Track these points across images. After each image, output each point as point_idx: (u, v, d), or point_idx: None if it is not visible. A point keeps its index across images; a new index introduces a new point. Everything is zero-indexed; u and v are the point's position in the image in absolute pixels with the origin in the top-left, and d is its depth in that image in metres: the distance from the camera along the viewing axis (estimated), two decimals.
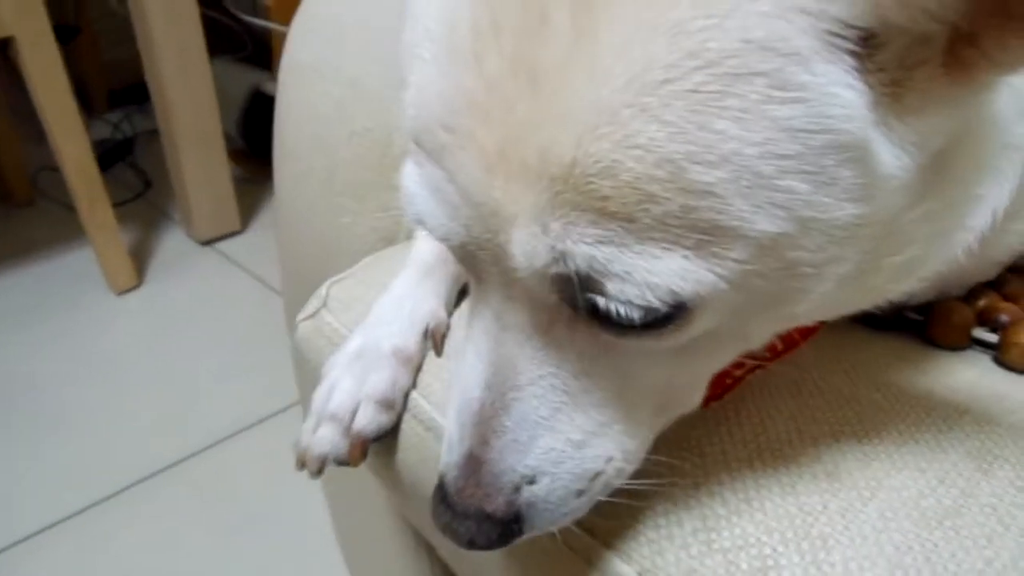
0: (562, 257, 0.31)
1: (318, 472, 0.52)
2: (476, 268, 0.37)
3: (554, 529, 0.40)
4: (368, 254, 0.69)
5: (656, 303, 0.30)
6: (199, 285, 1.80)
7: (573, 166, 0.29)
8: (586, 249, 0.30)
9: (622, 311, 0.31)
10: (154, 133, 2.15)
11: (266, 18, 2.08)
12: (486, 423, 0.37)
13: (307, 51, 0.74)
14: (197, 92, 1.86)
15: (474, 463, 0.38)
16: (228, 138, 1.99)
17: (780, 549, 0.39)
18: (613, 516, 0.43)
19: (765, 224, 0.30)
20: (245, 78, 2.23)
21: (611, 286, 0.30)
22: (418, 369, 0.54)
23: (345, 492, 0.96)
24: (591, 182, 0.29)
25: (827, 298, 0.35)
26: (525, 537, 0.39)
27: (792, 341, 0.49)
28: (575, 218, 0.30)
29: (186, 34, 1.82)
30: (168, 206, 2.09)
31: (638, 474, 0.43)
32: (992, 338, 0.54)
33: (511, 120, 0.30)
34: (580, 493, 0.38)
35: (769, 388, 0.48)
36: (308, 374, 0.61)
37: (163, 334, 1.66)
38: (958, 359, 0.53)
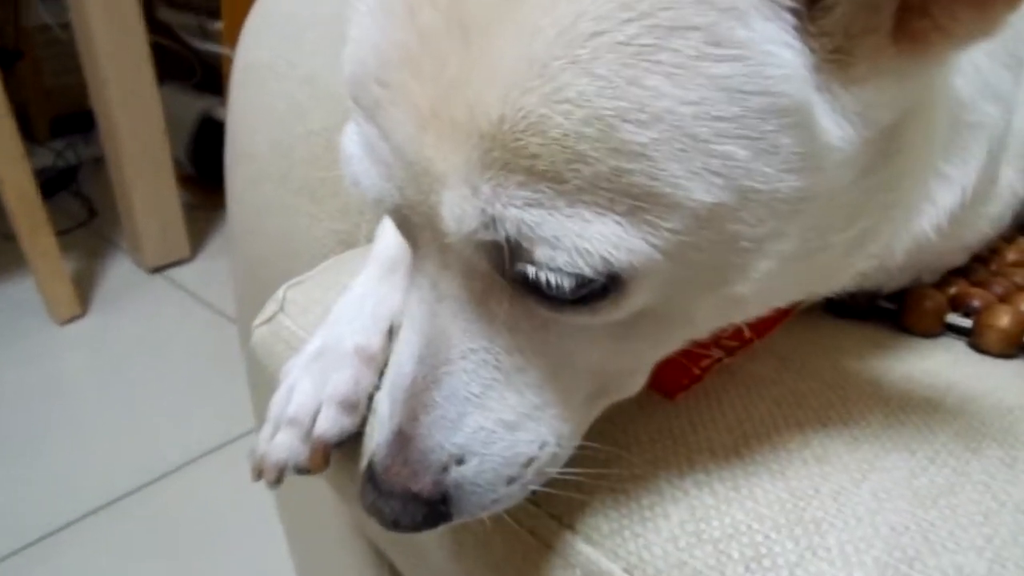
0: (491, 222, 0.29)
1: (276, 481, 0.48)
2: (412, 234, 0.36)
3: (483, 515, 0.38)
4: (327, 258, 0.66)
5: (587, 270, 0.29)
6: (148, 313, 1.74)
7: (501, 122, 0.28)
8: (515, 212, 0.29)
9: (552, 280, 0.30)
10: (99, 161, 2.10)
11: (216, 43, 2.05)
12: (416, 398, 0.36)
13: (262, 50, 0.72)
14: (145, 118, 1.82)
15: (402, 440, 0.36)
16: (177, 164, 1.94)
17: (773, 536, 0.37)
18: (594, 512, 0.40)
19: (701, 193, 0.28)
20: (194, 104, 2.20)
21: (540, 252, 0.29)
22: (382, 369, 0.51)
23: (302, 515, 0.91)
24: (519, 139, 0.28)
25: (774, 278, 0.33)
26: (454, 522, 0.37)
27: (759, 330, 0.48)
28: (504, 179, 0.28)
29: (134, 60, 1.78)
30: (114, 234, 2.03)
31: (611, 464, 0.41)
32: (965, 323, 0.53)
33: (443, 75, 0.29)
34: (511, 480, 0.37)
35: (750, 375, 0.46)
36: (265, 381, 0.58)
37: (112, 363, 1.59)
38: (933, 345, 0.52)
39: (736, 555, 0.37)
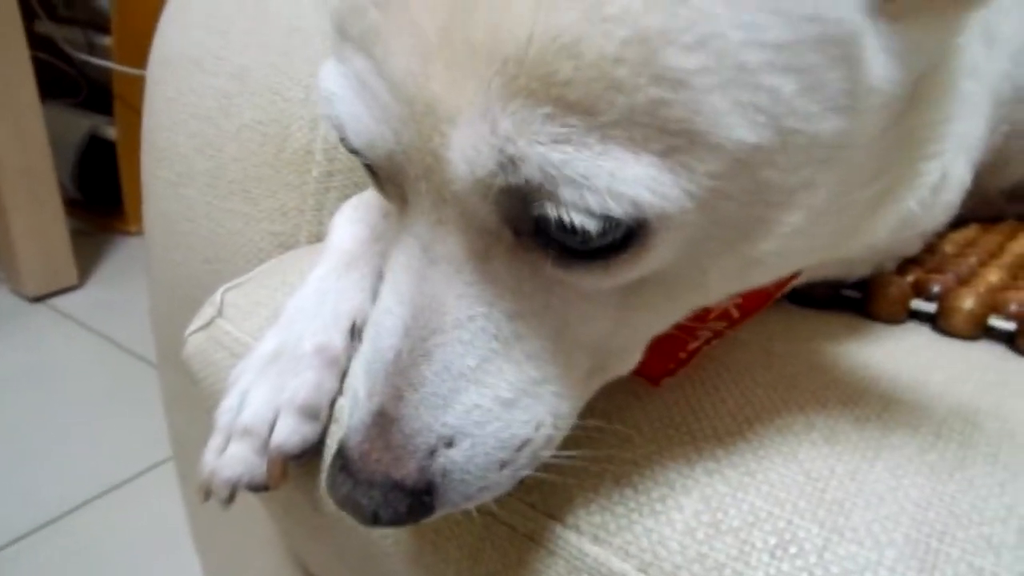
0: (510, 163, 0.26)
1: (228, 500, 0.43)
2: (402, 189, 0.32)
3: (470, 507, 0.34)
4: (263, 263, 0.61)
5: (616, 211, 0.26)
6: (30, 344, 1.59)
7: (529, 43, 0.25)
8: (540, 151, 0.26)
9: (577, 221, 0.27)
10: None
11: (106, 59, 1.93)
12: (402, 375, 0.32)
13: (183, 42, 0.66)
14: (27, 138, 1.69)
15: (384, 422, 0.32)
16: (61, 188, 1.80)
17: (796, 520, 0.35)
18: (599, 508, 0.37)
19: (743, 131, 0.26)
20: (80, 123, 2.06)
21: (566, 194, 0.26)
22: (344, 371, 0.46)
23: (225, 553, 0.83)
24: (549, 63, 0.25)
25: (796, 237, 0.32)
26: (436, 515, 0.33)
27: (747, 310, 0.46)
28: (529, 113, 0.26)
29: (15, 76, 1.66)
30: None
31: (612, 456, 0.38)
32: (930, 308, 0.54)
33: None
34: (503, 464, 0.33)
35: (739, 363, 0.45)
36: (204, 394, 0.52)
37: None
38: (902, 330, 0.52)
39: (759, 543, 0.35)
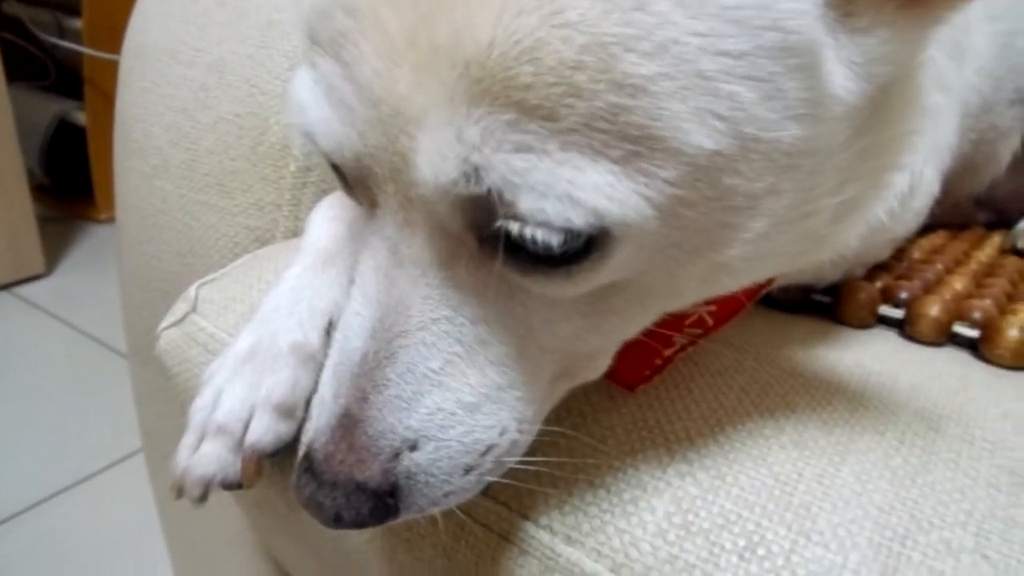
0: (474, 172, 0.27)
1: (201, 498, 0.43)
2: (371, 191, 0.32)
3: (435, 511, 0.34)
4: (238, 257, 0.60)
5: (577, 222, 0.27)
6: None
7: (491, 47, 0.25)
8: (503, 158, 0.26)
9: (538, 236, 0.27)
10: None
11: (76, 42, 1.89)
12: (367, 376, 0.32)
13: (159, 33, 0.65)
14: None
15: (349, 423, 0.32)
16: (29, 173, 1.77)
17: (764, 523, 0.36)
18: (573, 509, 0.38)
19: (702, 137, 0.27)
20: (48, 107, 2.02)
21: (525, 203, 0.27)
22: (321, 369, 0.46)
23: (196, 550, 0.83)
24: (510, 68, 0.25)
25: (763, 243, 0.32)
26: (400, 519, 0.33)
27: (721, 317, 0.47)
28: (493, 121, 0.26)
29: None
30: None
31: (586, 458, 0.39)
32: (897, 314, 0.55)
33: None
34: (468, 469, 0.33)
35: (712, 366, 0.45)
36: (177, 390, 0.52)
37: None
38: (870, 335, 0.54)
39: (729, 545, 0.35)
